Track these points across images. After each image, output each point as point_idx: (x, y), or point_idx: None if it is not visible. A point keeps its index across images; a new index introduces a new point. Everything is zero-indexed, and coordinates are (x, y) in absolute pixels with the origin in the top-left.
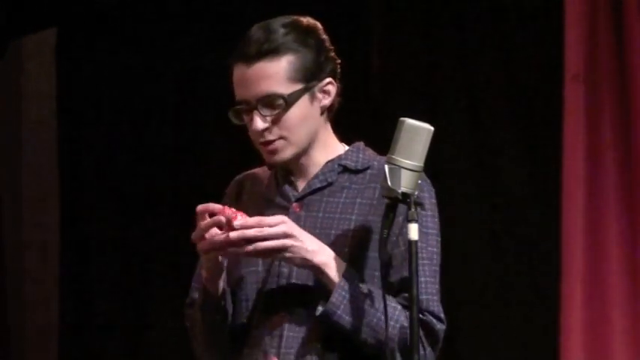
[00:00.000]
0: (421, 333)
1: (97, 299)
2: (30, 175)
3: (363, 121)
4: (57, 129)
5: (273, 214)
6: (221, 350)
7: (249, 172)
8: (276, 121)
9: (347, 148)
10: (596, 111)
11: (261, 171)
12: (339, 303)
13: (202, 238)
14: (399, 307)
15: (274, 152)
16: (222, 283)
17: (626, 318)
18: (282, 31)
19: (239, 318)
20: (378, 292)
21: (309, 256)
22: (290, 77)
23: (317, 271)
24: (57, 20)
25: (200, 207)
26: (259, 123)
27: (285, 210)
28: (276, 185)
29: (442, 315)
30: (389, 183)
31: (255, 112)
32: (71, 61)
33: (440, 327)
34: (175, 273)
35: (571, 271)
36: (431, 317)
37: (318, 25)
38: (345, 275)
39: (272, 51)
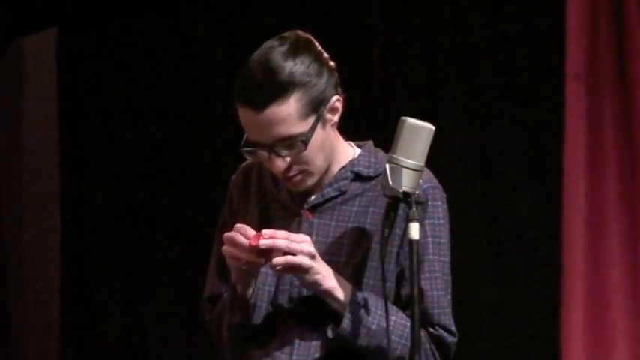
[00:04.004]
0: (433, 347)
1: (97, 299)
2: (31, 176)
3: (364, 120)
4: (58, 129)
5: (283, 218)
6: (240, 347)
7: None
8: (295, 159)
9: (357, 150)
10: (597, 111)
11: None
12: (349, 328)
13: (233, 245)
14: (408, 323)
15: (298, 184)
16: (250, 292)
17: (628, 318)
18: (284, 65)
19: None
20: (388, 309)
21: (320, 280)
22: (301, 114)
23: (326, 294)
24: (58, 20)
25: (238, 226)
26: (280, 165)
27: (296, 215)
28: (286, 187)
29: (453, 328)
30: (390, 182)
31: (273, 155)
32: (72, 61)
33: (451, 340)
34: (177, 272)
35: (572, 271)
36: (442, 331)
37: (311, 38)
38: (353, 299)
39: (280, 93)
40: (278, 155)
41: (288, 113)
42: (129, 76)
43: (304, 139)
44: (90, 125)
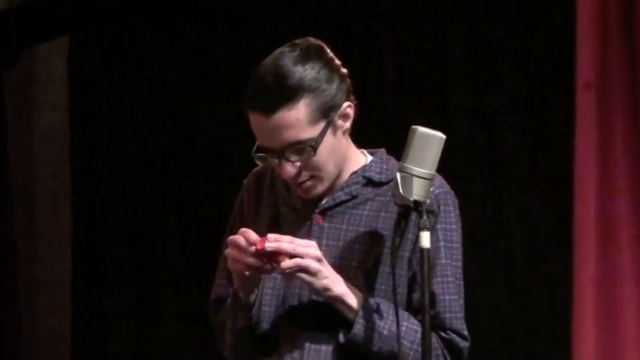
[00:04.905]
0: (445, 352)
1: (108, 304)
2: (42, 184)
3: (376, 128)
4: (69, 137)
5: (294, 222)
6: (245, 352)
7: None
8: (305, 164)
9: (369, 157)
10: (608, 119)
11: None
12: (362, 333)
13: (237, 249)
14: (420, 329)
15: (308, 190)
16: (253, 297)
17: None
18: (294, 71)
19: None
20: (400, 315)
21: (330, 285)
22: (311, 119)
23: (336, 300)
24: (69, 29)
25: (243, 230)
26: (290, 170)
27: (307, 219)
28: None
29: (466, 332)
30: (401, 191)
31: (283, 160)
32: (83, 70)
33: (464, 345)
34: (186, 273)
35: (583, 279)
36: (454, 335)
37: (322, 45)
38: (364, 305)
39: (290, 98)
40: (288, 160)
41: (297, 118)
42: (139, 84)
43: (314, 144)
44: (101, 133)
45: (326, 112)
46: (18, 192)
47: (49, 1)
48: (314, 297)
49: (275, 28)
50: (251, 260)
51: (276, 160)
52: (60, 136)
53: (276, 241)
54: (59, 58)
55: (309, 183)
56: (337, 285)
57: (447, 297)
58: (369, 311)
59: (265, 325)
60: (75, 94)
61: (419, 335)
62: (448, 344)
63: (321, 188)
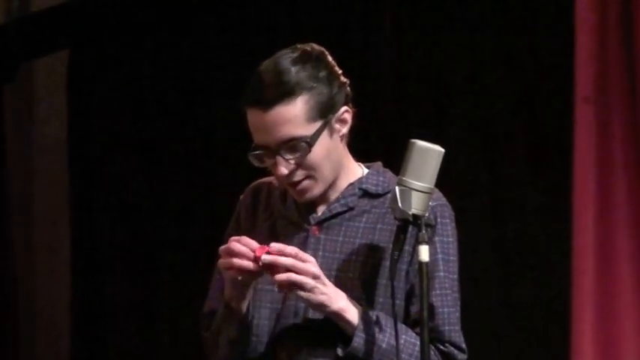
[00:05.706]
0: None
1: (109, 318)
2: (42, 196)
3: (373, 142)
4: (68, 150)
5: (290, 234)
6: None
7: (263, 180)
8: (300, 163)
9: (365, 170)
10: (607, 132)
11: (276, 180)
12: (361, 347)
13: (229, 256)
14: (418, 342)
15: (303, 192)
16: (245, 305)
17: (638, 335)
18: (292, 69)
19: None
20: (398, 328)
21: (327, 302)
22: (308, 117)
23: (334, 315)
24: (69, 42)
25: (244, 239)
26: (284, 168)
27: (303, 231)
28: (294, 203)
29: (463, 345)
30: (400, 205)
31: (278, 157)
32: (83, 83)
33: (461, 357)
34: (186, 277)
35: (582, 289)
36: (452, 348)
37: (324, 51)
38: (363, 318)
39: (287, 93)
40: (283, 158)
41: (294, 114)
42: (138, 97)
43: (309, 141)
44: (101, 146)
45: (323, 113)
46: (16, 203)
47: (48, 15)
48: (311, 310)
49: (273, 35)
50: (246, 264)
51: (272, 159)
52: (59, 147)
53: (278, 252)
54: (59, 72)
55: (304, 183)
56: (336, 301)
57: (445, 309)
58: (368, 324)
59: (263, 339)
60: (74, 106)
61: (417, 348)
62: (446, 357)
63: (316, 191)
